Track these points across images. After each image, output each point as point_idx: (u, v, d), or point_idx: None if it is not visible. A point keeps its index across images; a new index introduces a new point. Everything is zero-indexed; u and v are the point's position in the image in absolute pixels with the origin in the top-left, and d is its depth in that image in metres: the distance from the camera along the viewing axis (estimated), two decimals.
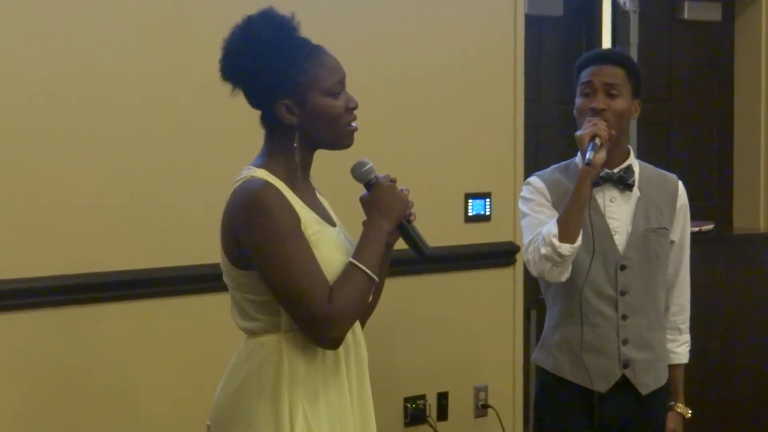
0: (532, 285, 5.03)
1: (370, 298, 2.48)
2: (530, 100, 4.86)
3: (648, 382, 3.23)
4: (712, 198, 5.86)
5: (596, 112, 3.15)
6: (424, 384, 4.44)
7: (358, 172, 2.51)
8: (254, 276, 2.40)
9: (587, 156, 3.06)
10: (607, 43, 5.34)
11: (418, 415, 4.43)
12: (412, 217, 2.54)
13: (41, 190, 3.55)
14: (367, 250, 2.41)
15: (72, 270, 3.60)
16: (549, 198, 3.24)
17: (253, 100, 2.49)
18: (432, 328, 4.44)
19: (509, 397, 4.68)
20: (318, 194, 2.63)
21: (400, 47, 4.31)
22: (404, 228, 2.52)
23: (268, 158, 2.47)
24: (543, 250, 3.08)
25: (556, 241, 3.06)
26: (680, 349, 3.37)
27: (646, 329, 3.23)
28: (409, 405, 4.39)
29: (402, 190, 2.52)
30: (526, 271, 4.77)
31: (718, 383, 3.36)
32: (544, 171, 3.35)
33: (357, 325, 2.54)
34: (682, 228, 3.33)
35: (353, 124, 2.51)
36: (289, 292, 2.35)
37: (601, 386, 3.19)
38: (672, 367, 3.34)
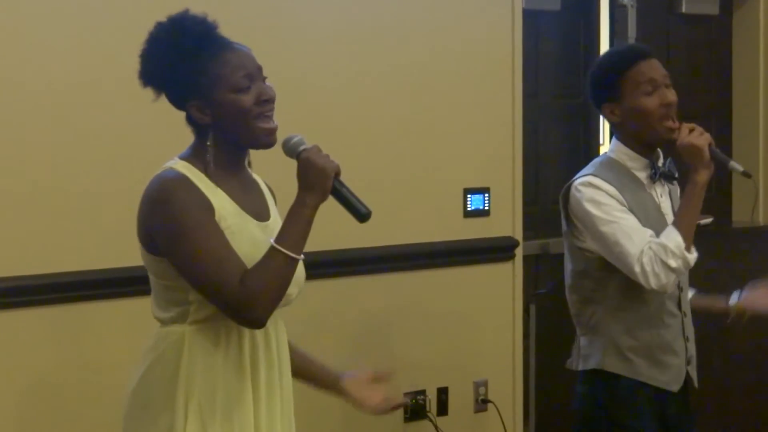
0: (532, 280, 5.03)
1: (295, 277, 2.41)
2: (528, 95, 4.86)
3: (697, 374, 3.24)
4: (711, 191, 5.79)
5: (672, 107, 3.10)
6: (423, 379, 4.44)
7: (285, 148, 2.44)
8: (167, 262, 2.42)
9: (741, 168, 3.07)
10: (605, 37, 5.35)
11: (418, 410, 4.43)
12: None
13: (36, 188, 3.54)
14: (287, 230, 2.39)
15: (68, 267, 3.59)
16: (624, 201, 3.08)
17: (172, 104, 2.51)
18: (431, 323, 4.44)
19: (509, 391, 4.68)
20: (265, 188, 2.62)
21: (397, 42, 4.31)
22: (335, 192, 2.42)
23: (192, 151, 2.49)
24: (673, 263, 2.98)
25: (687, 254, 2.99)
26: None
27: (693, 322, 3.23)
28: (408, 400, 4.39)
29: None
30: (526, 266, 4.79)
31: (716, 377, 3.36)
32: (596, 169, 3.15)
33: (274, 324, 2.51)
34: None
35: (273, 121, 2.46)
36: (199, 279, 2.36)
37: (674, 386, 3.16)
38: None
